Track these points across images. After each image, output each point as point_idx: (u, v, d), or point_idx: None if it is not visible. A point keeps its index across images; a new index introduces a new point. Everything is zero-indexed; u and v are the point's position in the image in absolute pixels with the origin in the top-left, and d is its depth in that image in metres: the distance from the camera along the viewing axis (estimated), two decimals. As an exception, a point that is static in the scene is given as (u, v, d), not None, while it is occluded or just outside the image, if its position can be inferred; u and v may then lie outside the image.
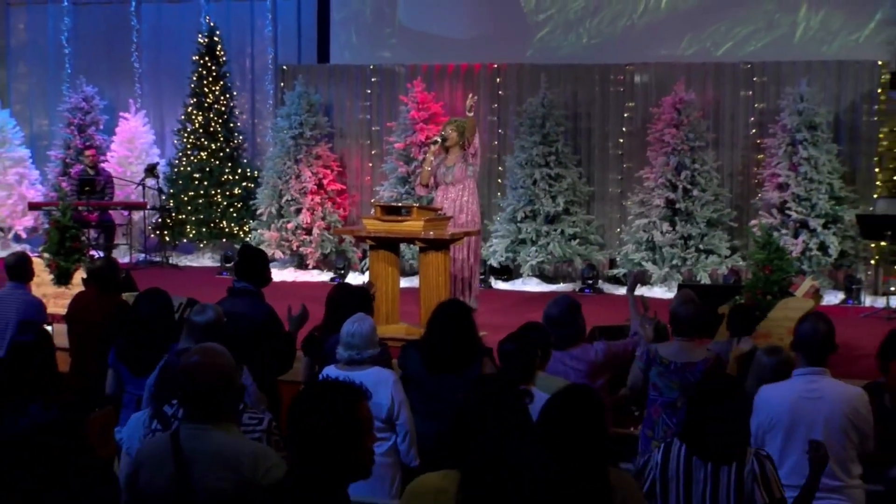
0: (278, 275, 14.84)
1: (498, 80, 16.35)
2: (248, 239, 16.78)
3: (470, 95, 12.74)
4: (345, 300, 8.11)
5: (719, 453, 5.18)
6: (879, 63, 14.91)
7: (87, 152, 17.57)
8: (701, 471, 5.21)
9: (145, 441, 4.92)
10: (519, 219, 15.55)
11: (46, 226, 14.52)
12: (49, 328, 10.06)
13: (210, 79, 17.67)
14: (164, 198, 17.64)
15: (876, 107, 14.88)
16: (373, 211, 11.96)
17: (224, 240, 17.50)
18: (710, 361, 7.36)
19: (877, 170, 14.87)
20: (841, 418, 6.00)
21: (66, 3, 19.20)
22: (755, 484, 5.14)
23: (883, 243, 14.11)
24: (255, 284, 8.33)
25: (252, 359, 7.36)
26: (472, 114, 12.25)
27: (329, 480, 3.57)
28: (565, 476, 4.36)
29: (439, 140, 12.16)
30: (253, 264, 8.45)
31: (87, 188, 16.87)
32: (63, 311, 9.80)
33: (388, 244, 11.49)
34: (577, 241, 15.44)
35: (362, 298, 8.15)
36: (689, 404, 5.51)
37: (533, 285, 15.44)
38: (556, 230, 15.39)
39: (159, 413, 5.58)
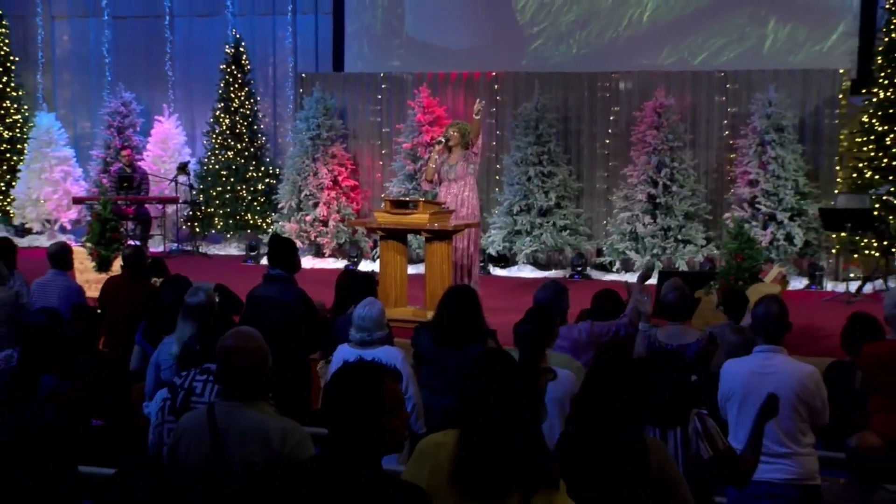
0: (298, 262, 14.83)
1: (496, 86, 16.32)
2: (270, 230, 16.80)
3: (478, 100, 12.71)
4: (352, 285, 8.15)
5: (664, 418, 5.20)
6: (841, 71, 14.90)
7: (125, 152, 17.54)
8: (651, 434, 5.23)
9: (186, 414, 4.91)
10: (515, 212, 15.55)
11: (89, 218, 14.58)
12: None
13: (236, 85, 17.66)
14: (194, 193, 17.62)
15: (837, 111, 14.88)
16: (383, 205, 11.94)
17: (248, 231, 17.50)
18: (702, 342, 7.35)
19: (837, 168, 14.87)
20: (789, 393, 6.00)
21: (106, 17, 19.18)
22: (699, 440, 5.15)
23: (843, 234, 14.11)
24: (288, 271, 8.31)
25: (286, 337, 7.36)
26: (478, 117, 12.24)
27: (361, 455, 3.55)
28: (604, 443, 4.38)
29: (443, 140, 12.16)
30: (285, 253, 8.42)
31: (125, 184, 16.88)
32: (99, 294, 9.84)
33: (397, 235, 11.48)
34: (568, 232, 15.43)
35: (368, 283, 8.19)
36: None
37: (527, 272, 15.44)
38: (548, 222, 15.39)
39: (171, 385, 5.59)
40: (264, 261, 15.91)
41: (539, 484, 4.06)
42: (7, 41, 19.15)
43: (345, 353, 6.81)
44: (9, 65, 19.10)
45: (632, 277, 13.70)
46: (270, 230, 16.82)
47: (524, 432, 4.10)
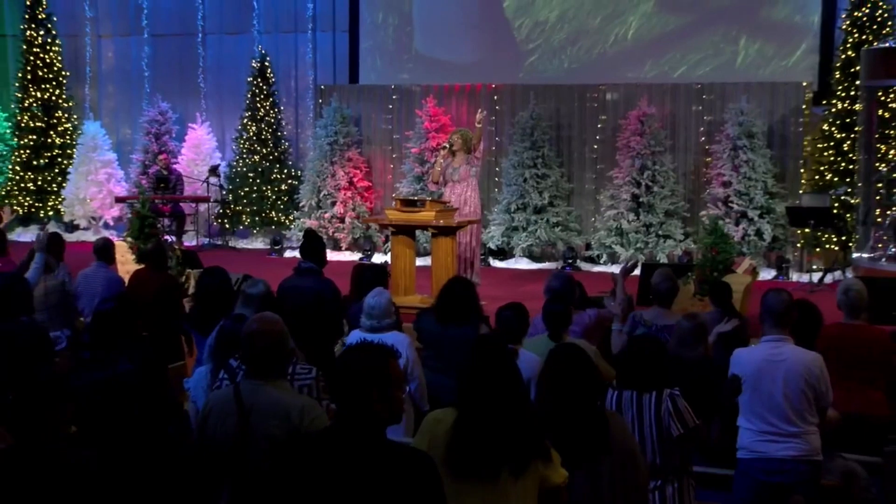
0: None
1: (495, 97, 16.31)
2: (292, 226, 16.81)
3: (479, 111, 12.73)
4: (365, 276, 8.16)
5: (640, 382, 5.25)
6: (804, 84, 14.90)
7: (162, 156, 17.55)
8: (628, 398, 5.25)
9: (213, 393, 4.92)
10: (512, 210, 15.55)
11: (129, 215, 14.58)
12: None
13: (262, 96, 17.65)
14: (224, 193, 17.64)
15: (801, 119, 14.87)
16: (394, 203, 11.96)
17: (273, 227, 17.50)
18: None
19: (802, 171, 14.86)
20: (798, 378, 5.95)
21: (145, 35, 19.18)
22: (671, 419, 5.19)
23: (807, 230, 14.12)
24: (318, 264, 8.32)
25: (319, 324, 7.37)
26: (479, 125, 12.25)
27: (371, 424, 3.56)
28: (567, 415, 4.40)
29: (447, 146, 12.17)
30: (316, 248, 8.43)
31: (162, 185, 16.91)
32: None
33: (406, 230, 11.49)
34: (560, 228, 15.43)
35: (379, 274, 8.20)
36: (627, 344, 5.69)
37: (524, 264, 15.43)
38: (542, 219, 15.39)
39: (227, 366, 5.59)
40: (287, 254, 16.01)
41: (531, 456, 4.10)
42: (60, 58, 19.16)
43: (356, 337, 6.84)
44: (61, 79, 19.12)
45: (618, 269, 13.77)
46: (292, 226, 16.85)
47: (515, 411, 4.13)
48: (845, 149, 14.27)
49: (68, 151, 18.89)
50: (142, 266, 10.21)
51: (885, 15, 14.18)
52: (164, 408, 4.88)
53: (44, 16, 19.03)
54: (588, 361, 4.75)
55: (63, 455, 4.02)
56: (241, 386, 4.64)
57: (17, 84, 19.18)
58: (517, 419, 4.13)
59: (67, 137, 19.04)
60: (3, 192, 18.85)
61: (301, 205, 17.00)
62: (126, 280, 10.02)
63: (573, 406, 4.50)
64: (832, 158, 14.40)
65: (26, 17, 19.01)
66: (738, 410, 6.00)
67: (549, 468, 4.16)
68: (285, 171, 17.65)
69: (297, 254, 8.96)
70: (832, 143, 14.43)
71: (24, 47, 19.04)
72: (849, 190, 14.03)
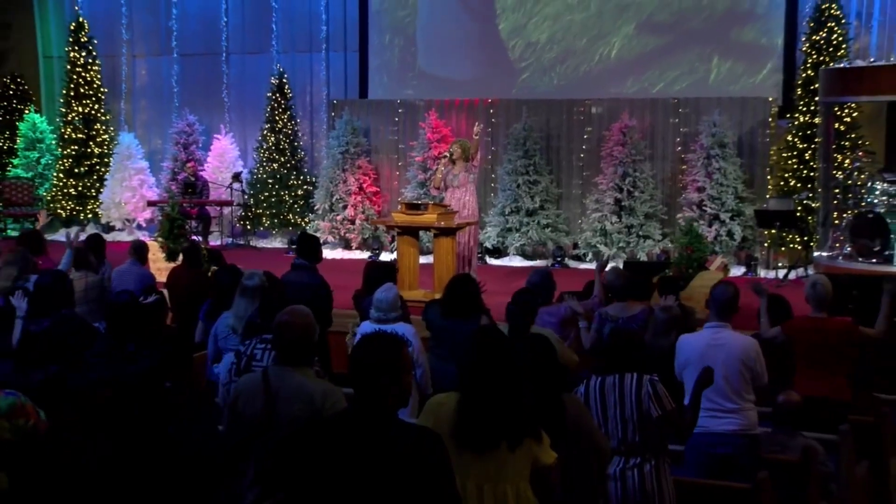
0: (330, 253, 14.90)
1: (491, 110, 16.32)
2: (307, 228, 16.82)
3: (477, 124, 12.75)
4: (375, 272, 8.19)
5: (622, 367, 5.29)
6: (770, 99, 14.93)
7: (190, 164, 17.56)
8: (610, 380, 5.28)
9: (244, 376, 4.95)
10: (506, 212, 15.56)
11: (160, 217, 14.57)
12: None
13: (280, 110, 17.66)
14: (245, 197, 17.65)
15: (768, 131, 14.90)
16: (399, 207, 11.98)
17: (290, 228, 17.50)
18: (645, 312, 7.44)
19: (768, 177, 14.88)
20: (735, 360, 6.05)
21: (175, 55, 19.19)
22: (650, 402, 5.23)
23: (773, 231, 14.15)
24: (311, 261, 8.37)
25: (314, 314, 7.41)
26: (477, 137, 12.26)
27: (385, 407, 3.58)
28: (530, 399, 4.39)
29: (448, 155, 12.18)
30: (309, 246, 8.50)
31: (189, 190, 16.91)
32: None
33: (411, 231, 11.52)
34: (550, 229, 15.44)
35: (388, 271, 8.23)
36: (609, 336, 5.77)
37: (517, 262, 15.44)
38: (534, 221, 15.40)
39: (237, 352, 5.63)
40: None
41: (523, 434, 4.14)
42: (99, 77, 19.17)
43: (368, 327, 6.88)
44: (100, 95, 19.14)
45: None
46: (308, 228, 16.84)
47: (510, 395, 4.16)
48: (807, 158, 14.29)
49: (105, 160, 18.91)
50: (178, 264, 10.26)
51: (840, 39, 14.26)
52: (165, 408, 4.84)
53: (86, 39, 19.05)
54: (547, 351, 4.79)
55: (72, 447, 4.00)
56: (269, 371, 4.65)
57: (61, 100, 19.21)
58: (512, 400, 4.16)
59: (105, 147, 19.06)
60: (49, 197, 18.88)
61: (315, 208, 17.01)
62: (157, 276, 10.07)
63: (536, 390, 4.48)
64: (795, 166, 14.42)
65: (70, 40, 19.06)
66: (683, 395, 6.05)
67: (541, 448, 4.20)
68: (301, 177, 17.65)
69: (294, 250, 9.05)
70: (795, 153, 14.45)
71: (69, 67, 19.06)
72: (810, 195, 14.04)
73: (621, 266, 11.68)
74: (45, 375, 5.16)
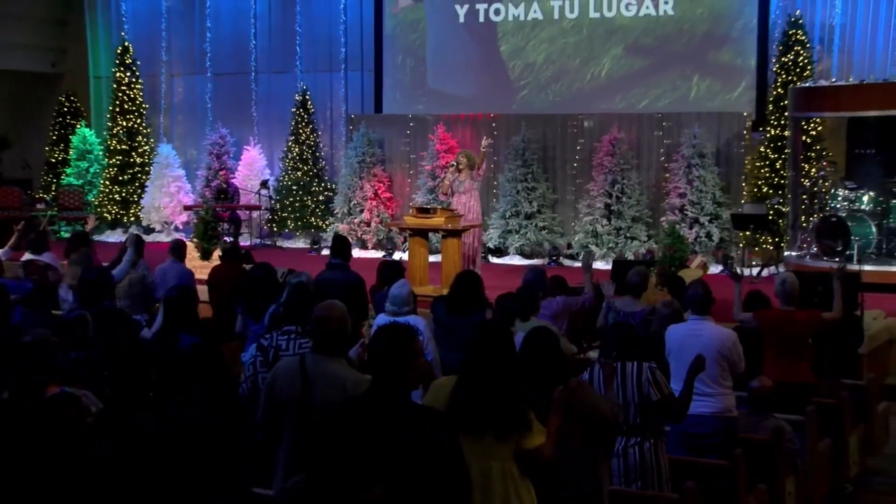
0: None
1: (493, 124, 16.34)
2: (328, 230, 16.88)
3: (485, 138, 12.81)
4: (387, 270, 8.31)
5: (619, 351, 5.33)
6: (744, 114, 14.95)
7: (222, 172, 17.63)
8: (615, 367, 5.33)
9: (282, 361, 4.95)
10: (507, 216, 15.60)
11: (195, 220, 14.66)
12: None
13: (303, 123, 17.72)
14: (272, 202, 17.70)
15: (743, 143, 14.90)
16: (411, 211, 12.04)
17: (312, 230, 17.55)
18: (646, 311, 7.50)
19: (743, 184, 14.89)
20: (713, 350, 6.11)
21: (209, 74, 19.24)
22: (650, 387, 5.26)
23: (747, 233, 14.19)
24: (344, 260, 8.41)
25: (349, 309, 7.43)
26: (484, 150, 12.30)
27: (401, 389, 3.64)
28: (529, 395, 4.38)
29: (454, 164, 12.22)
30: (343, 247, 8.55)
31: (221, 195, 16.96)
32: (206, 277, 9.95)
33: (421, 233, 11.58)
34: (546, 231, 15.48)
35: (398, 269, 8.33)
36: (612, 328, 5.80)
37: (517, 260, 15.45)
38: (532, 223, 15.43)
39: (259, 345, 5.65)
40: (324, 252, 16.02)
41: (510, 430, 4.12)
42: (141, 94, 19.26)
43: (383, 320, 6.92)
44: (142, 111, 19.23)
45: (594, 265, 13.83)
46: (328, 229, 16.91)
47: (501, 386, 4.14)
48: (778, 167, 14.34)
49: (146, 169, 18.98)
50: (216, 263, 10.32)
51: (805, 61, 14.33)
52: (221, 378, 4.89)
53: (130, 60, 19.14)
54: (551, 341, 4.79)
55: (143, 416, 4.06)
56: (306, 358, 4.68)
57: (108, 115, 19.31)
58: (504, 392, 4.14)
59: (146, 157, 19.12)
60: (96, 202, 18.97)
61: (335, 212, 17.06)
62: (199, 272, 10.13)
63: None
64: (767, 174, 14.46)
65: (117, 62, 19.19)
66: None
67: (526, 437, 4.16)
68: (322, 184, 17.70)
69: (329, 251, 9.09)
70: (767, 162, 14.49)
71: (115, 86, 19.16)
72: (781, 200, 14.09)
73: (609, 266, 11.75)
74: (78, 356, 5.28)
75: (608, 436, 4.71)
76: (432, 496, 3.49)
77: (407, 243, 12.95)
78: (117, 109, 19.05)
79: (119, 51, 19.21)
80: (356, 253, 16.15)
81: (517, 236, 15.48)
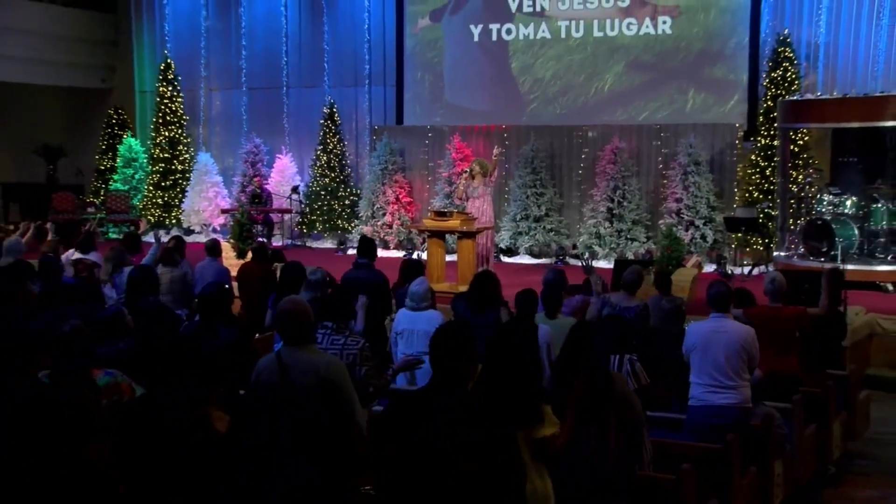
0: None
1: (505, 135, 16.34)
2: (354, 232, 16.90)
3: (497, 147, 12.83)
4: (408, 268, 8.33)
5: (609, 348, 5.36)
6: (737, 125, 14.91)
7: (256, 179, 17.69)
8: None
9: (262, 358, 4.87)
10: (518, 219, 15.59)
11: (231, 223, 14.70)
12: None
13: (330, 134, 17.75)
14: (302, 206, 17.75)
15: (735, 152, 14.86)
16: (429, 214, 12.05)
17: (339, 232, 17.59)
18: (640, 307, 7.45)
19: (735, 190, 14.85)
20: (736, 345, 6.03)
21: (244, 89, 19.29)
22: (629, 377, 5.26)
23: (739, 235, 14.15)
24: (370, 260, 8.41)
25: (376, 305, 7.42)
26: (496, 158, 12.30)
27: (458, 382, 3.65)
28: (542, 395, 4.34)
29: (469, 171, 12.24)
30: (369, 248, 8.52)
31: (256, 200, 17.03)
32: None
33: (439, 234, 11.60)
34: (553, 232, 15.47)
35: (416, 267, 8.35)
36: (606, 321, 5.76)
37: (526, 260, 15.46)
38: (540, 226, 15.43)
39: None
40: (350, 252, 16.05)
41: (523, 422, 4.06)
42: (182, 107, 19.39)
43: (403, 315, 6.93)
44: (182, 122, 19.35)
45: (597, 264, 13.82)
46: (353, 231, 16.95)
47: (514, 382, 4.09)
48: (768, 174, 14.28)
49: (187, 175, 19.07)
50: (247, 261, 10.32)
51: (793, 77, 14.29)
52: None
53: (172, 76, 19.27)
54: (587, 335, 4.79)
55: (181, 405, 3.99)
56: (281, 351, 4.67)
57: (151, 126, 19.45)
58: (521, 386, 4.10)
59: (186, 165, 19.23)
60: (141, 206, 19.07)
61: (360, 215, 17.09)
62: (234, 270, 10.13)
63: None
64: (758, 181, 14.40)
65: (160, 77, 19.33)
66: (688, 372, 6.07)
67: (536, 429, 4.11)
68: (348, 190, 17.73)
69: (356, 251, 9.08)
70: (758, 170, 14.43)
71: (158, 99, 19.28)
72: (770, 205, 14.04)
73: (611, 265, 11.71)
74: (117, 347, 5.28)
75: (640, 429, 4.70)
76: (489, 485, 3.47)
77: (426, 244, 12.97)
78: (160, 121, 19.17)
79: (162, 67, 19.35)
80: (379, 253, 16.21)
81: (527, 237, 15.48)
